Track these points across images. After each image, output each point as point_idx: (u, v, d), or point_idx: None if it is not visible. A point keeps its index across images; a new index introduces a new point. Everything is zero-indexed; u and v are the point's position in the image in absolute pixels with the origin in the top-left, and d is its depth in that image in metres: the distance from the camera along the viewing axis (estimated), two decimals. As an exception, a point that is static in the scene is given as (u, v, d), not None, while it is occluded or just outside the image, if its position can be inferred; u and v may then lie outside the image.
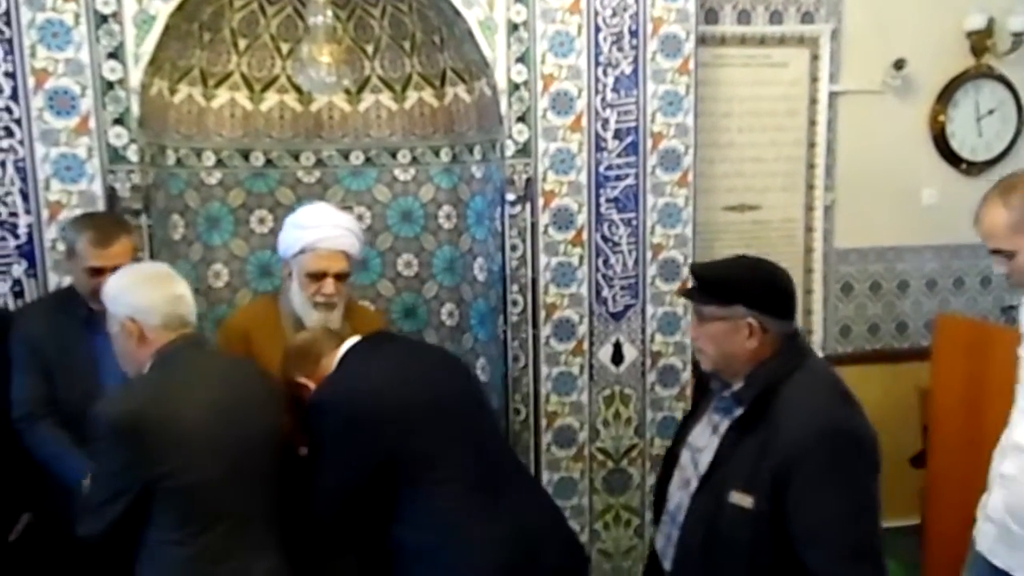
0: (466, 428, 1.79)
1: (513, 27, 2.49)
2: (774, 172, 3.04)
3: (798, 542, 1.41)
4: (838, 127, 3.08)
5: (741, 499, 1.44)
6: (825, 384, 1.51)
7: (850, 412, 1.46)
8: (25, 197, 2.26)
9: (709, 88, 2.85)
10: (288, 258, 2.14)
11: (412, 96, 2.78)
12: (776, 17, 2.96)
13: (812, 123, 3.05)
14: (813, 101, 3.03)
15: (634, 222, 2.64)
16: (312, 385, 1.80)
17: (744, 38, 2.94)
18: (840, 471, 1.40)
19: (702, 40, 2.71)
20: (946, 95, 3.15)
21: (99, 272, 1.97)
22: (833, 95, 3.04)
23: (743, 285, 1.52)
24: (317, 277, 2.07)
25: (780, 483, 1.41)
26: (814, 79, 3.02)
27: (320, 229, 2.09)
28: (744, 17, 2.93)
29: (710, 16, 2.87)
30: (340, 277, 2.10)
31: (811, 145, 3.06)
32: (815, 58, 3.01)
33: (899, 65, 3.05)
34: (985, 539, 1.77)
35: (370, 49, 2.73)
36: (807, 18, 2.99)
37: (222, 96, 2.65)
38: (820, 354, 3.10)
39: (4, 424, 2.02)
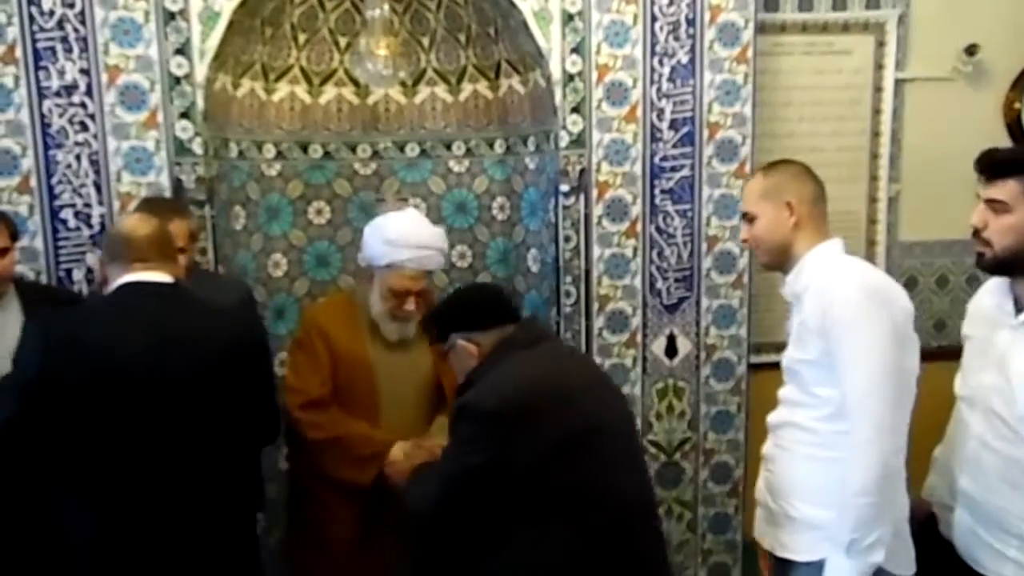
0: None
1: (568, 17, 2.48)
2: (835, 163, 2.95)
3: None
4: (904, 116, 2.97)
5: None
6: (507, 374, 1.59)
7: (495, 393, 1.54)
8: (98, 189, 2.36)
9: (768, 77, 2.78)
10: (371, 265, 2.12)
11: (467, 88, 2.80)
12: (840, 3, 2.87)
13: (877, 112, 2.95)
14: (878, 89, 2.93)
15: (689, 213, 2.61)
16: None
17: (806, 25, 2.86)
18: (454, 435, 1.57)
19: (761, 28, 2.66)
20: (1022, 82, 3.01)
21: None
22: (899, 83, 2.93)
23: (443, 320, 1.76)
24: (399, 294, 2.06)
25: None
26: (879, 66, 2.92)
27: (409, 250, 2.06)
28: (806, 4, 2.86)
29: (770, 3, 2.80)
30: (421, 293, 2.10)
31: (875, 135, 2.96)
32: (881, 44, 2.91)
33: (971, 51, 2.92)
34: (756, 523, 1.79)
35: (426, 42, 2.76)
36: (872, 3, 2.89)
37: (282, 90, 2.71)
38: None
39: None
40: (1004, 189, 1.55)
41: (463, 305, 1.80)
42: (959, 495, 1.71)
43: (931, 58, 2.95)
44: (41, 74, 2.29)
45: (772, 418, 1.78)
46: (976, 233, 1.62)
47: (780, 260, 1.74)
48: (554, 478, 1.52)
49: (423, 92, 2.81)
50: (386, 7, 2.50)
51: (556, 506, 1.53)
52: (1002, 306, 1.64)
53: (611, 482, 1.58)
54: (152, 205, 2.18)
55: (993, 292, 1.69)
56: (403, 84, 2.78)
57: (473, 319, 1.72)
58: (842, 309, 1.55)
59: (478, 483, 1.53)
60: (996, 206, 1.57)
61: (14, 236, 2.09)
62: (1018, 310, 1.60)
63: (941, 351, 3.14)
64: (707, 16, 2.52)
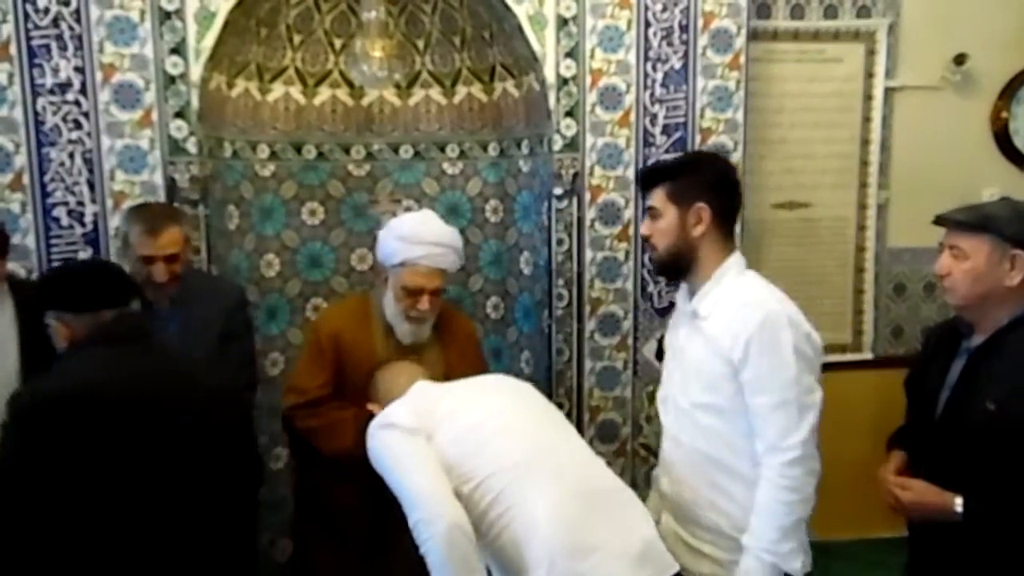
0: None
1: (563, 22, 2.50)
2: (825, 169, 2.99)
3: None
4: (894, 124, 3.01)
5: None
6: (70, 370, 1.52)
7: (39, 390, 1.49)
8: (92, 187, 2.36)
9: (760, 84, 2.81)
10: (385, 265, 2.10)
11: (461, 91, 2.82)
12: (831, 11, 2.91)
13: (866, 119, 2.99)
14: (868, 97, 2.97)
15: (681, 218, 2.63)
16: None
17: (797, 33, 2.90)
18: None
19: (754, 35, 2.68)
20: (1009, 91, 3.05)
21: (150, 260, 2.07)
22: (889, 91, 2.97)
23: (40, 294, 1.67)
24: (413, 292, 2.04)
25: None
26: (870, 75, 2.96)
27: (423, 247, 2.03)
28: (797, 12, 2.89)
29: (762, 11, 2.83)
30: (435, 293, 2.07)
31: (865, 142, 3.00)
32: (871, 53, 2.95)
33: (960, 60, 2.96)
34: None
35: (421, 44, 2.77)
36: (863, 12, 2.92)
37: (277, 90, 2.72)
38: (870, 356, 3.06)
39: None
40: (655, 197, 1.71)
41: (62, 281, 1.66)
42: (662, 500, 1.78)
43: (920, 67, 2.99)
44: (35, 71, 2.28)
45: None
46: (647, 239, 1.76)
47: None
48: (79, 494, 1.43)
49: (417, 94, 2.82)
50: (382, 9, 2.51)
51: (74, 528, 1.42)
52: (682, 307, 1.77)
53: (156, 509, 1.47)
54: (147, 212, 2.17)
55: (679, 297, 1.81)
56: (397, 86, 2.79)
57: (67, 298, 1.58)
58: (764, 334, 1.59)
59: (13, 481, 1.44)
60: (653, 212, 1.72)
61: (4, 251, 2.07)
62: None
63: (928, 357, 3.17)
64: (700, 23, 2.55)
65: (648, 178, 1.76)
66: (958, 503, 1.60)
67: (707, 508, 1.67)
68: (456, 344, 2.19)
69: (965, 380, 1.68)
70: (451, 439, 1.57)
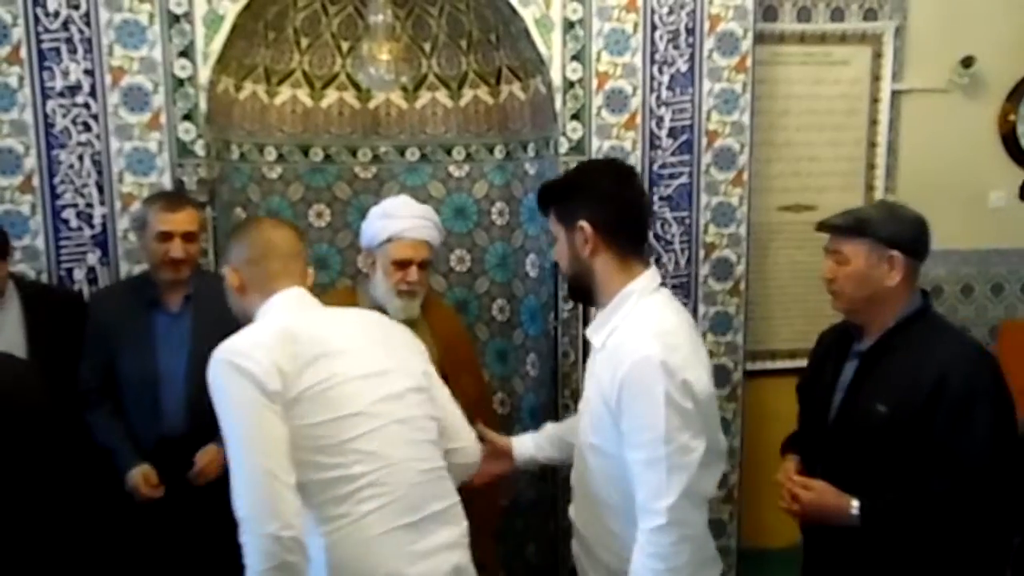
0: None
1: (569, 25, 2.51)
2: (832, 172, 2.98)
3: None
4: (901, 127, 3.00)
5: None
6: None
7: None
8: (100, 189, 2.37)
9: (766, 86, 2.81)
10: (373, 248, 2.17)
11: (468, 94, 2.82)
12: (838, 14, 2.90)
13: (873, 122, 2.98)
14: (875, 100, 2.96)
15: (687, 221, 2.63)
16: None
17: (804, 35, 2.89)
18: None
19: (760, 38, 2.68)
20: (1017, 94, 3.04)
21: (168, 237, 2.12)
22: (896, 94, 2.96)
23: None
24: (402, 265, 2.12)
25: None
26: (876, 77, 2.95)
27: (405, 220, 2.13)
28: (804, 15, 2.89)
29: (769, 13, 2.83)
30: (423, 266, 2.15)
31: (872, 145, 2.99)
32: (878, 56, 2.94)
33: (967, 63, 2.95)
34: None
35: (427, 47, 2.78)
36: (870, 15, 2.92)
37: (284, 93, 2.73)
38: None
39: None
40: (550, 220, 1.60)
41: None
42: (573, 530, 1.68)
43: (927, 70, 2.98)
44: (45, 74, 2.30)
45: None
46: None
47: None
48: None
49: (424, 97, 2.83)
50: (389, 12, 2.52)
51: None
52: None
53: None
54: (166, 193, 2.29)
55: None
56: (404, 89, 2.80)
57: None
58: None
59: None
60: (553, 236, 1.61)
61: (4, 253, 2.11)
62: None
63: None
64: (706, 25, 2.55)
65: (539, 201, 1.63)
66: (855, 505, 1.60)
67: (599, 546, 1.58)
68: (445, 323, 2.28)
69: (856, 383, 1.69)
70: (309, 420, 1.39)
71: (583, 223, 1.50)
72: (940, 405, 1.55)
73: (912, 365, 1.60)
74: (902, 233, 1.65)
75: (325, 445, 1.39)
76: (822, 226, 1.74)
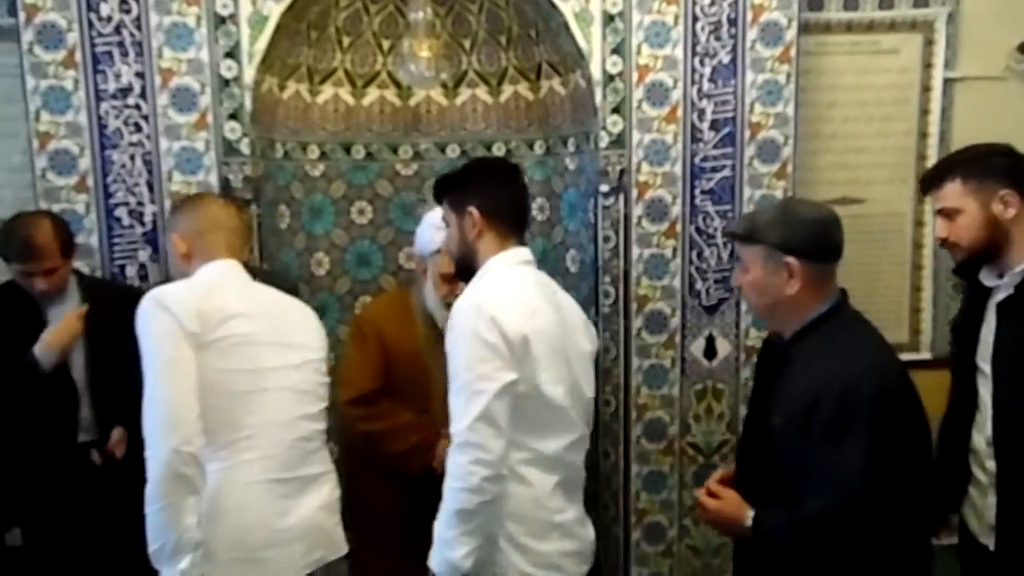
0: None
1: (609, 18, 2.49)
2: (880, 164, 2.91)
3: None
4: (954, 116, 2.90)
5: None
6: None
7: None
8: (150, 188, 2.44)
9: (812, 77, 2.75)
10: (424, 255, 2.17)
11: (507, 90, 2.83)
12: (887, 2, 2.83)
13: (924, 112, 2.90)
14: (926, 89, 2.88)
15: (730, 214, 2.59)
16: None
17: (851, 24, 2.82)
18: None
19: (805, 28, 2.63)
20: (1077, 80, 2.93)
21: None
22: (948, 82, 2.87)
23: None
24: (451, 279, 2.07)
25: None
26: (927, 65, 2.86)
27: (443, 231, 2.05)
28: (851, 3, 2.81)
29: (814, 3, 2.77)
30: (456, 279, 2.10)
31: (922, 135, 2.90)
32: (929, 43, 2.85)
33: (1024, 48, 2.85)
34: None
35: (467, 44, 2.79)
36: (921, 1, 2.83)
37: (326, 92, 2.77)
38: (928, 355, 2.96)
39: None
40: (444, 210, 1.78)
41: None
42: None
43: (982, 57, 2.88)
44: (99, 77, 2.37)
45: None
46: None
47: None
48: None
49: (464, 94, 2.85)
50: (429, 10, 2.54)
51: None
52: None
53: None
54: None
55: None
56: (444, 86, 2.81)
57: None
58: None
59: None
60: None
61: (67, 252, 2.18)
62: None
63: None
64: (749, 16, 2.50)
65: (435, 192, 1.80)
66: (749, 516, 1.56)
67: None
68: None
69: (760, 394, 1.66)
70: (217, 366, 1.58)
71: (472, 209, 1.66)
72: (814, 422, 1.47)
73: (803, 377, 1.53)
74: (794, 237, 1.55)
75: (224, 391, 1.58)
76: (724, 231, 1.72)
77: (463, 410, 1.49)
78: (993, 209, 1.65)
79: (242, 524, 1.58)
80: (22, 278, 2.15)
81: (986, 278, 1.72)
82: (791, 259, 1.55)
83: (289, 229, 2.75)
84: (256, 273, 2.28)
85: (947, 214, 1.71)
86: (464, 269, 1.72)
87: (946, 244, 1.74)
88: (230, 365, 1.59)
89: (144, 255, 2.45)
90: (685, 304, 2.62)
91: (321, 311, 2.80)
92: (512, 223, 1.70)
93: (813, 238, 1.57)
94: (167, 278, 2.40)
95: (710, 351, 2.65)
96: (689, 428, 2.68)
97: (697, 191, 2.57)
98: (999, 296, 1.67)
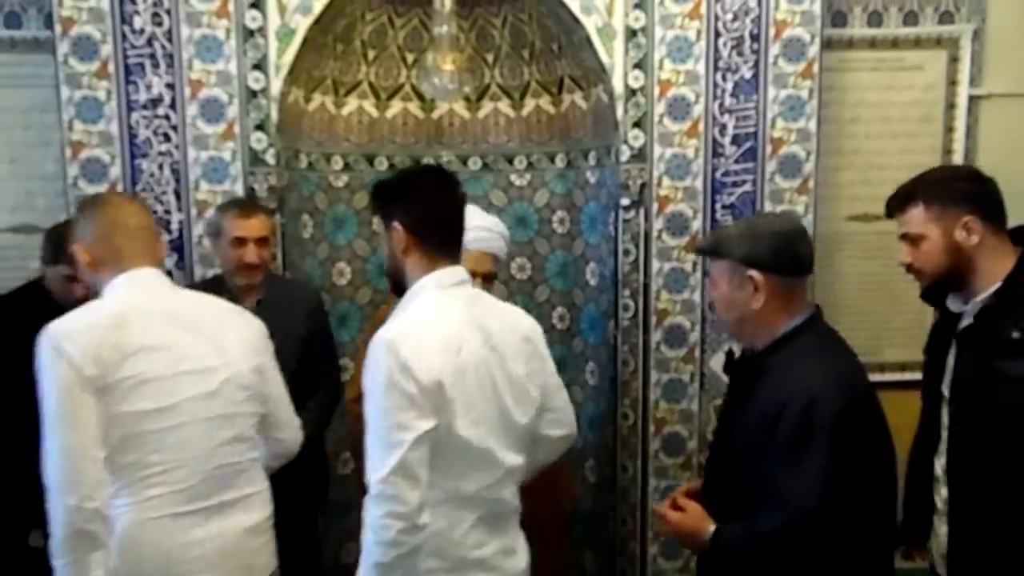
0: None
1: (631, 33, 2.51)
2: (903, 181, 2.88)
3: None
4: (979, 133, 2.88)
5: None
6: None
7: None
8: (178, 196, 2.49)
9: (835, 93, 2.75)
10: None
11: (530, 103, 2.85)
12: (911, 18, 2.82)
13: (949, 129, 2.88)
14: (951, 106, 2.86)
15: (751, 229, 2.58)
16: None
17: (875, 41, 2.82)
18: None
19: (828, 44, 2.63)
20: (1106, 98, 2.89)
21: (242, 242, 2.22)
22: (974, 99, 2.85)
23: None
24: (475, 278, 2.06)
25: None
26: (952, 82, 2.85)
27: (470, 232, 2.00)
28: (875, 19, 2.81)
29: (838, 19, 2.77)
30: (487, 278, 2.12)
31: (947, 152, 2.88)
32: (954, 60, 2.84)
33: (1051, 66, 2.83)
34: None
35: (490, 58, 2.82)
36: (946, 18, 2.82)
37: (351, 104, 2.81)
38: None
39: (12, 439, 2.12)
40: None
41: None
42: None
43: (1008, 74, 2.86)
44: (130, 88, 2.43)
45: None
46: None
47: None
48: None
49: (486, 107, 2.87)
50: (453, 24, 2.56)
51: None
52: None
53: None
54: (239, 200, 2.40)
55: None
56: (467, 99, 2.84)
57: None
58: None
59: None
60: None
61: (57, 258, 2.10)
62: None
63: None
64: (772, 32, 2.51)
65: (371, 202, 1.72)
66: (709, 530, 1.55)
67: None
68: None
69: (728, 409, 1.64)
70: (120, 408, 1.49)
71: (396, 224, 1.55)
72: (776, 436, 1.45)
73: (769, 391, 1.50)
74: (757, 250, 1.52)
75: (130, 433, 1.51)
76: (695, 247, 1.69)
77: (380, 461, 1.39)
78: (956, 236, 1.60)
79: (142, 559, 1.53)
80: (62, 282, 2.18)
81: (953, 304, 1.68)
82: (755, 273, 1.52)
83: (312, 239, 2.79)
84: (276, 282, 2.34)
85: (911, 240, 1.66)
86: (395, 286, 1.62)
87: (911, 270, 1.69)
88: (134, 407, 1.50)
89: (170, 262, 2.49)
90: (704, 318, 2.61)
91: (342, 320, 2.84)
92: (441, 241, 1.56)
93: (777, 251, 1.53)
94: (192, 284, 2.46)
95: (730, 366, 2.62)
96: (707, 443, 2.66)
97: (718, 205, 2.57)
98: (962, 324, 1.64)
